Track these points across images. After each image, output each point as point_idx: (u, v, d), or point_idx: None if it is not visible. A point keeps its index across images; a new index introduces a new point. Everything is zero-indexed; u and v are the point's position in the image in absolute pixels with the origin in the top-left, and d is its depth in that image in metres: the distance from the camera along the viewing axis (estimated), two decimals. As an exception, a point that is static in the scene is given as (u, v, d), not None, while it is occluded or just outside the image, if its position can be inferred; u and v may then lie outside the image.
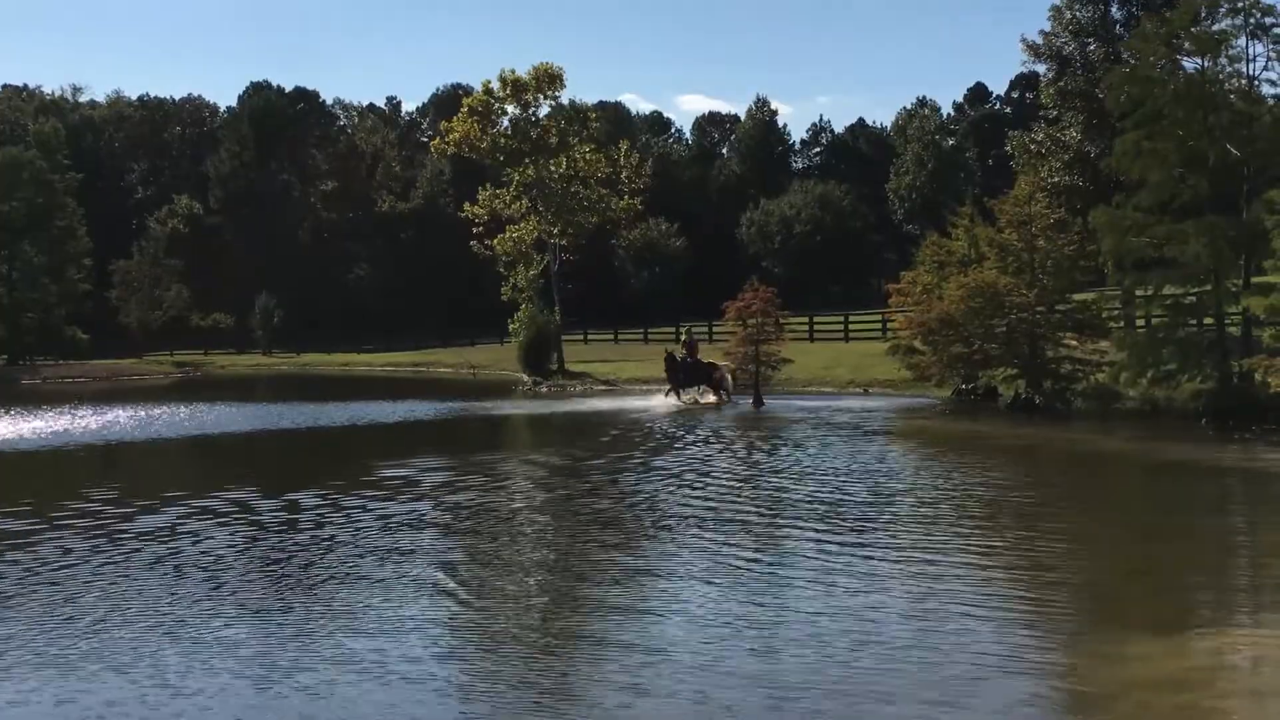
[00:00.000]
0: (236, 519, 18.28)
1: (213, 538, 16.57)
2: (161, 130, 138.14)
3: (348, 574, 14.10)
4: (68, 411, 43.91)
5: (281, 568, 14.57)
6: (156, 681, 10.23)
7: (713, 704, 9.20)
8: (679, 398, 39.88)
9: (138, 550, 15.79)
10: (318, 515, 18.36)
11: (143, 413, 42.88)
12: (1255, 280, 28.91)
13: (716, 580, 13.33)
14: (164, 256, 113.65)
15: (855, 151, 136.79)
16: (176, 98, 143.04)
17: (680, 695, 9.44)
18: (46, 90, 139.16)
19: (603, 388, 50.28)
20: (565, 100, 62.82)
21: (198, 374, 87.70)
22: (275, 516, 18.59)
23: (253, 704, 9.64)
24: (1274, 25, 29.61)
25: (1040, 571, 13.22)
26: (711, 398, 39.23)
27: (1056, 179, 47.53)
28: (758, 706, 9.14)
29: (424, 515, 18.37)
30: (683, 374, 40.26)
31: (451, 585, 13.55)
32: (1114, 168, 31.66)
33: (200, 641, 11.32)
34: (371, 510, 18.72)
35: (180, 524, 17.76)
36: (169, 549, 15.79)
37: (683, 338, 43.58)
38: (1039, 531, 15.66)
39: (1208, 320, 29.91)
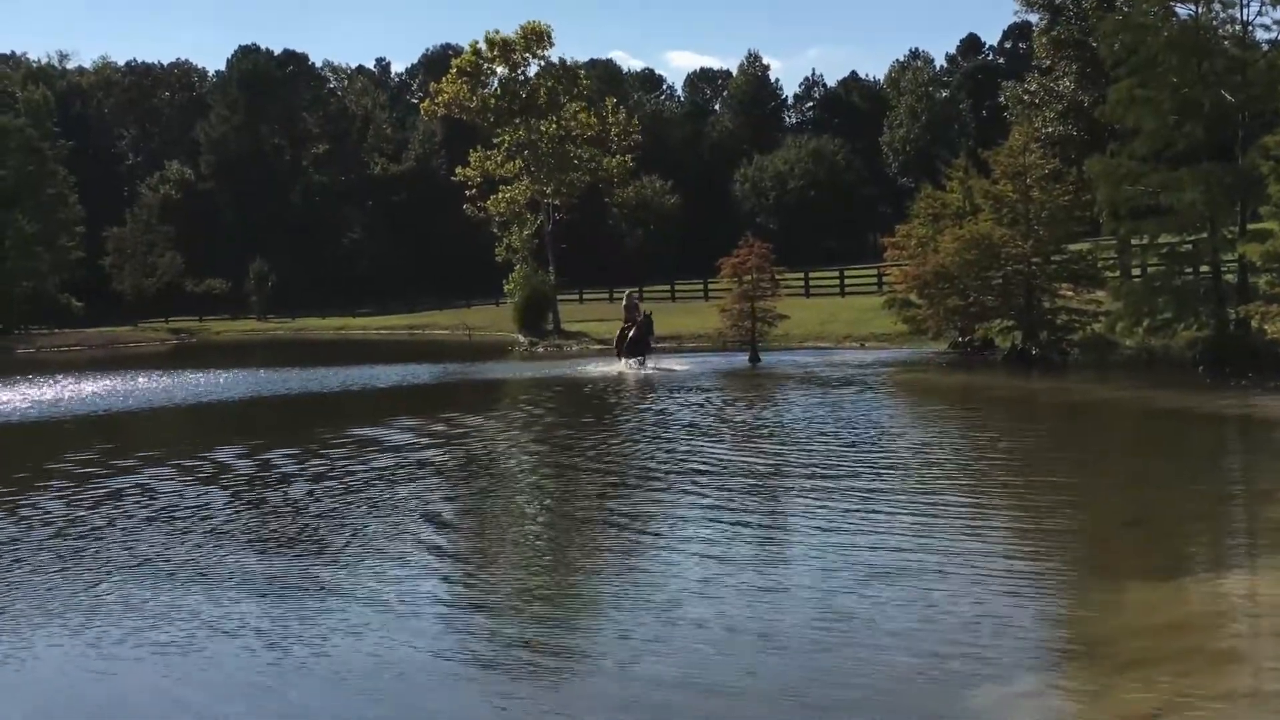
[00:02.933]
0: (232, 476, 18.31)
1: (211, 494, 16.64)
2: (150, 96, 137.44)
3: (348, 528, 14.11)
4: (68, 380, 43.91)
5: (281, 521, 14.57)
6: (158, 632, 10.29)
7: (709, 653, 9.20)
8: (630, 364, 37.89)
9: (141, 508, 15.82)
10: (312, 472, 18.37)
11: (143, 380, 42.87)
12: (1251, 227, 28.82)
13: (714, 531, 13.31)
14: (157, 223, 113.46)
15: (848, 105, 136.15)
16: (165, 63, 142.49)
17: (676, 639, 9.46)
18: (33, 57, 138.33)
19: (599, 347, 50.24)
20: (554, 59, 62.57)
21: (193, 340, 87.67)
22: (269, 474, 18.58)
23: (257, 654, 9.66)
24: (1267, -30, 29.39)
25: (1038, 520, 13.22)
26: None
27: (1051, 129, 47.27)
28: (754, 658, 9.14)
29: (424, 479, 18.36)
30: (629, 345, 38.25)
31: (448, 533, 13.61)
32: (1108, 116, 31.48)
33: (205, 588, 11.34)
34: (366, 469, 18.72)
35: (180, 483, 17.79)
36: (169, 505, 15.82)
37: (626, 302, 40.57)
38: (1036, 481, 15.69)
39: (1204, 268, 29.85)
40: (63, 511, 16.33)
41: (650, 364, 37.57)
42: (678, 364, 38.57)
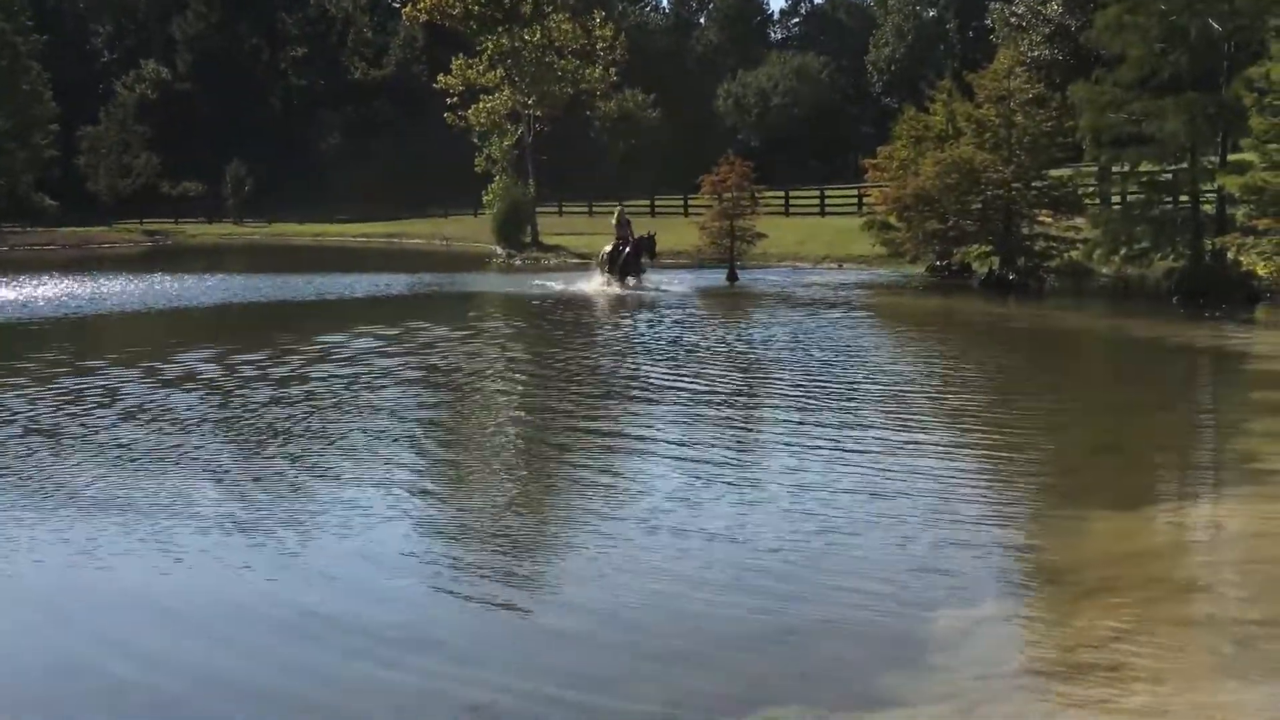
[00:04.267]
0: (200, 382, 18.28)
1: (180, 398, 16.63)
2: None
3: (315, 432, 14.15)
4: (39, 280, 43.63)
5: (251, 425, 14.58)
6: (134, 532, 10.33)
7: (680, 580, 9.29)
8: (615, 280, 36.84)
9: (112, 408, 15.82)
10: (279, 379, 18.38)
11: (116, 284, 42.61)
12: (1231, 158, 28.81)
13: (685, 453, 13.38)
14: (133, 123, 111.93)
15: (835, 22, 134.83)
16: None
17: (650, 556, 9.56)
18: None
19: (577, 260, 50.09)
20: (540, -36, 61.61)
21: (168, 242, 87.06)
22: (241, 380, 18.56)
23: (232, 552, 9.72)
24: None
25: (1007, 446, 13.33)
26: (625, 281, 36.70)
27: (1036, 53, 47.00)
28: (724, 582, 9.23)
29: (394, 389, 18.38)
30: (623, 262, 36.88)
31: (422, 445, 13.66)
32: (1095, 42, 31.30)
33: (174, 492, 11.38)
34: (331, 379, 18.73)
35: (150, 388, 17.77)
36: (139, 407, 15.81)
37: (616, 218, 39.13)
38: (1006, 408, 15.79)
39: (1183, 198, 29.88)
40: (29, 410, 16.31)
41: (634, 282, 36.24)
42: (655, 280, 38.48)
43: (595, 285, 36.65)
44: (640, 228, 38.92)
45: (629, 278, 36.44)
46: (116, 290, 39.75)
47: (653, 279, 36.95)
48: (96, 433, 14.96)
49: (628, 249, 36.89)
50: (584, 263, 47.61)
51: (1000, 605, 8.70)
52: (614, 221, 39.16)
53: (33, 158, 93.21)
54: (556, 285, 37.91)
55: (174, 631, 8.54)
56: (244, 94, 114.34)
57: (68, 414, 16.26)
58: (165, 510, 11.32)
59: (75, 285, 41.51)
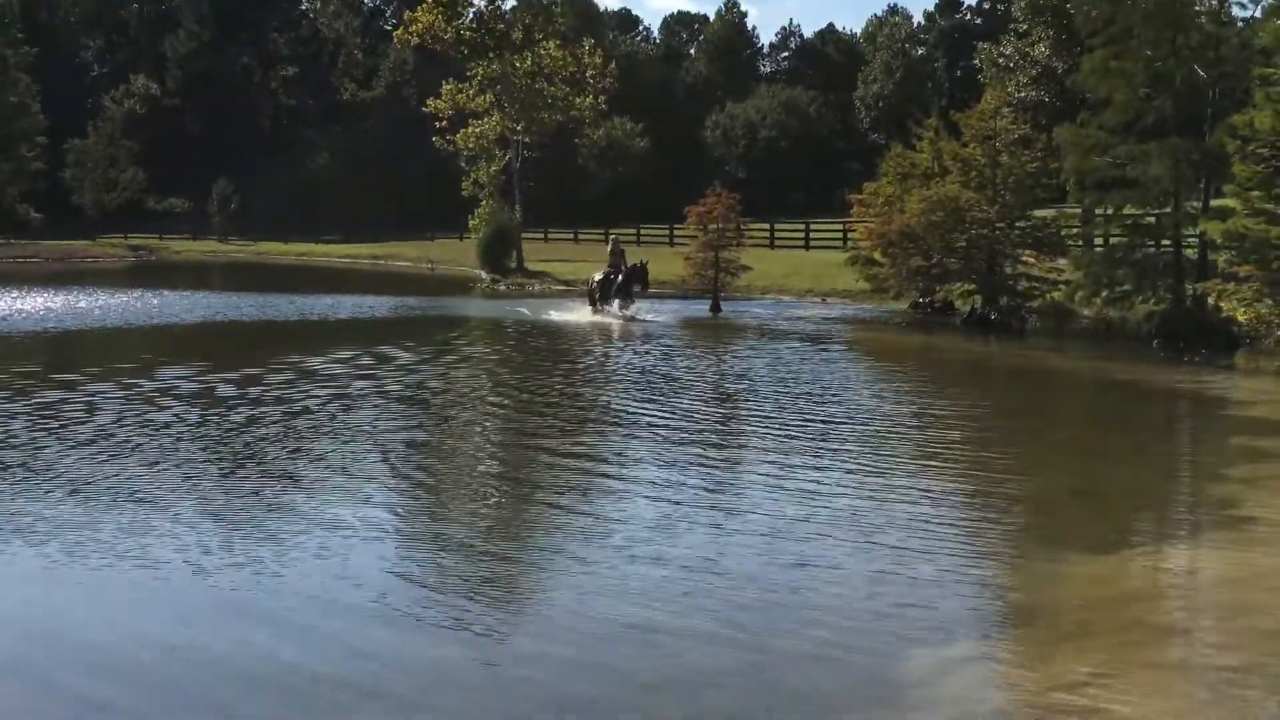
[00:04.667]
0: (177, 399, 18.23)
1: (158, 416, 16.57)
2: (119, 7, 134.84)
3: (294, 451, 14.11)
4: (18, 293, 43.45)
5: (231, 444, 14.54)
6: (116, 550, 10.28)
7: (656, 609, 9.28)
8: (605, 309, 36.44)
9: (87, 425, 15.75)
10: (257, 399, 18.34)
11: (97, 299, 42.46)
12: (1214, 204, 29.01)
13: (663, 485, 13.37)
14: (120, 137, 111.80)
15: (824, 57, 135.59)
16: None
17: (629, 582, 9.55)
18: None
19: (561, 287, 50.12)
20: (533, -8, 61.91)
21: (152, 258, 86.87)
22: (218, 398, 18.52)
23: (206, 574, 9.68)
24: (1247, -54, 29.43)
25: (984, 488, 13.35)
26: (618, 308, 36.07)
27: (1024, 94, 47.47)
28: (699, 613, 9.22)
29: (376, 413, 18.35)
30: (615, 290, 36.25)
31: (396, 465, 13.64)
32: (1081, 85, 31.52)
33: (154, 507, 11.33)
34: (308, 401, 18.69)
35: (127, 403, 17.71)
36: (116, 425, 15.75)
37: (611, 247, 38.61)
38: (985, 448, 15.80)
39: (1165, 242, 30.04)
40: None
41: (629, 311, 35.62)
42: (637, 309, 38.45)
43: (584, 313, 36.37)
44: (629, 257, 38.87)
45: (618, 306, 35.95)
46: (98, 305, 39.62)
47: (635, 308, 36.88)
48: (66, 454, 14.89)
49: (619, 277, 36.42)
50: (569, 289, 47.70)
51: (976, 645, 8.70)
52: (608, 250, 38.77)
53: (18, 170, 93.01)
54: (547, 314, 37.36)
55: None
56: (233, 112, 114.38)
57: (41, 430, 16.18)
58: (130, 532, 11.28)
59: (55, 299, 41.35)
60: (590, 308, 36.79)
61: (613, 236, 42.78)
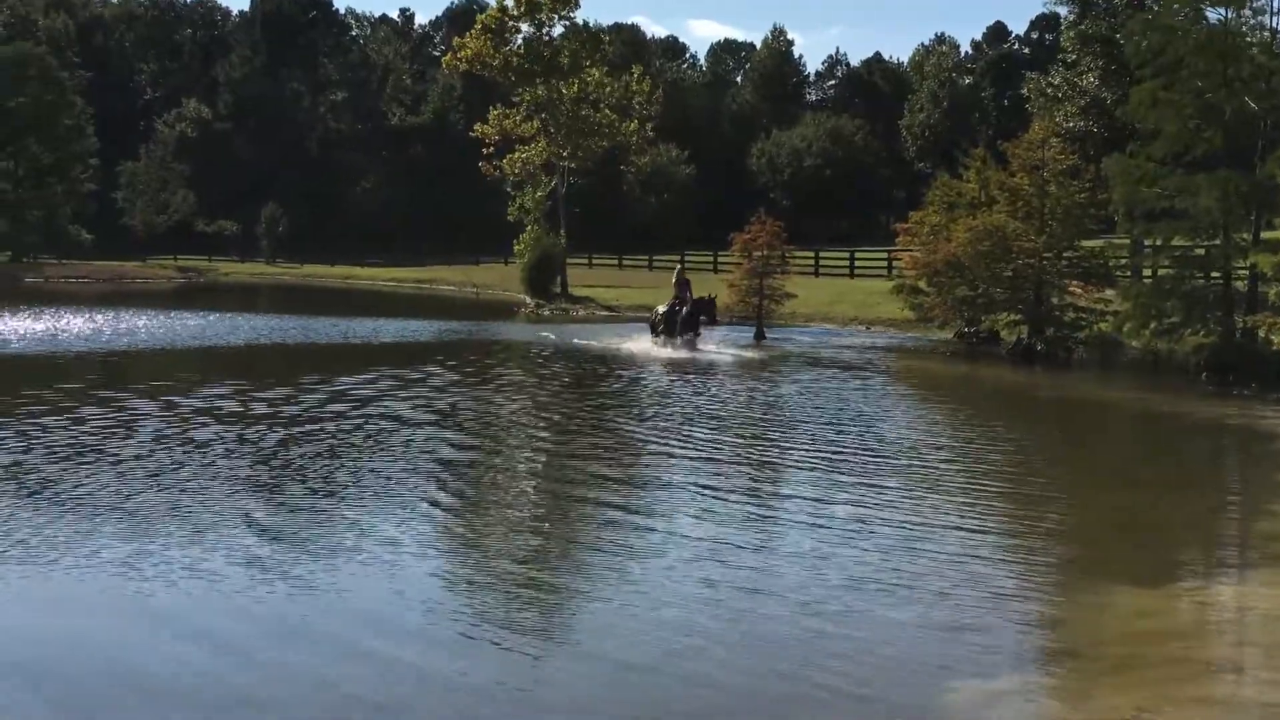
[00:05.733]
0: (219, 419, 18.42)
1: (201, 436, 16.75)
2: (172, 32, 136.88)
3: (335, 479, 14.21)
4: (68, 314, 43.99)
5: (275, 471, 14.66)
6: (147, 572, 10.39)
7: (698, 636, 9.27)
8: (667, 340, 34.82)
9: (135, 444, 15.93)
10: (297, 420, 18.48)
11: (142, 320, 42.94)
12: (1265, 235, 28.74)
13: (705, 515, 13.36)
14: (171, 160, 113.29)
15: (870, 86, 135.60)
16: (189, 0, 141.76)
17: (662, 621, 9.53)
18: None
19: (605, 313, 50.22)
20: (580, 20, 62.32)
21: (201, 280, 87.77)
22: (262, 420, 18.68)
23: (246, 593, 9.76)
24: (1300, -22, 29.18)
25: (1030, 520, 13.26)
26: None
27: (1072, 124, 47.09)
28: (741, 641, 9.21)
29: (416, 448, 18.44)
30: (680, 322, 34.76)
31: (441, 499, 13.71)
32: (1130, 116, 31.34)
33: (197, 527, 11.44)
34: (348, 428, 18.81)
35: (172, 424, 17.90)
36: (162, 446, 15.93)
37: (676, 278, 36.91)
38: (1030, 481, 15.68)
39: (1215, 274, 29.76)
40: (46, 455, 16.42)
41: (695, 344, 33.96)
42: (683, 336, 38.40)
43: (646, 344, 34.70)
44: (671, 284, 38.60)
45: (685, 339, 34.11)
46: (144, 325, 40.07)
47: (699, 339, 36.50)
48: (113, 467, 15.05)
49: (686, 309, 34.73)
50: (613, 315, 47.80)
51: (1021, 679, 8.63)
52: (673, 280, 36.95)
53: (72, 191, 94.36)
54: (599, 342, 36.39)
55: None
56: (282, 136, 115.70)
57: (93, 448, 16.37)
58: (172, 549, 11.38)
59: (104, 320, 41.84)
60: (652, 337, 35.25)
61: (678, 267, 41.30)
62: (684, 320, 34.65)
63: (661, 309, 35.95)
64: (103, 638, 9.35)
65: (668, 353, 33.17)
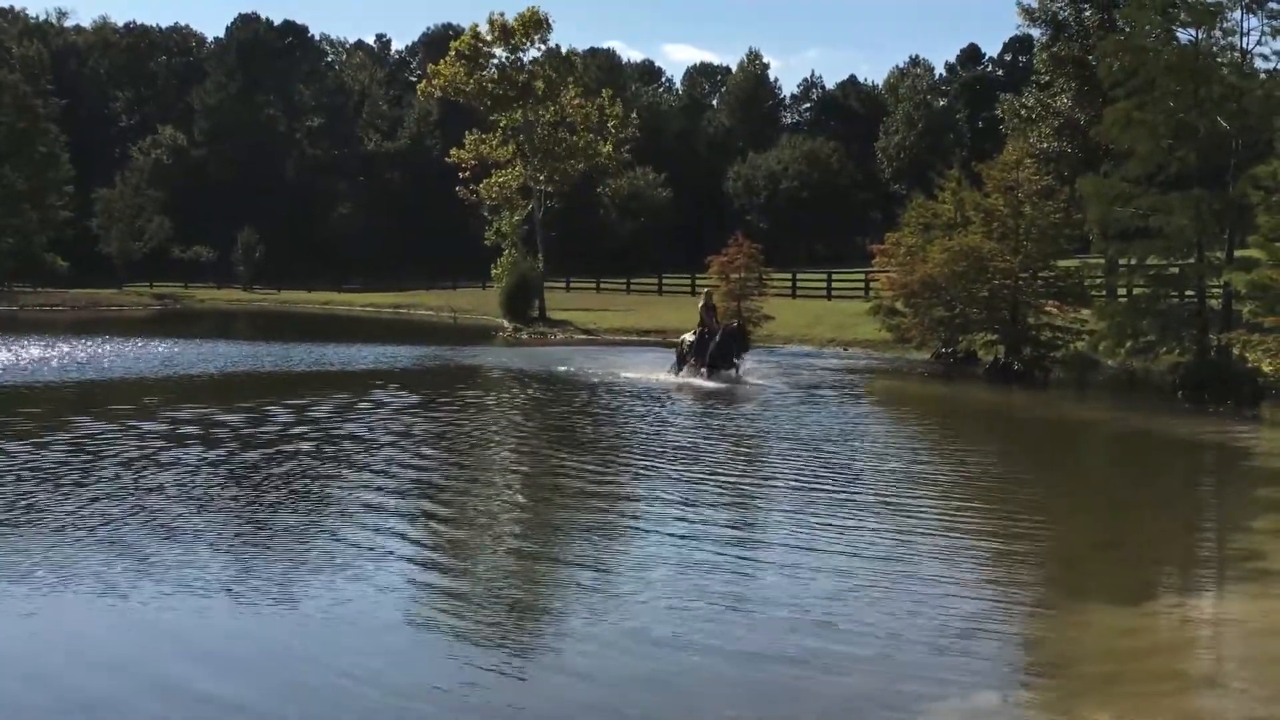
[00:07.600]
0: (194, 443, 18.31)
1: (179, 460, 16.64)
2: (147, 59, 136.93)
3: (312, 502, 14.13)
4: (44, 342, 43.71)
5: (253, 495, 14.57)
6: (130, 598, 10.31)
7: (672, 660, 9.23)
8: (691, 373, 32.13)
9: (113, 470, 15.81)
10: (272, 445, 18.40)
11: (122, 347, 42.69)
12: (1238, 254, 28.92)
13: (684, 537, 13.30)
14: (146, 187, 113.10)
15: (845, 108, 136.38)
16: (163, 26, 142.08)
17: (639, 646, 9.49)
18: (31, 13, 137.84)
19: (583, 336, 50.22)
20: (554, 45, 62.57)
21: (177, 306, 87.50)
22: (238, 444, 18.58)
23: (232, 617, 9.67)
24: (1269, -1, 29.47)
25: (1008, 540, 13.25)
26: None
27: (1046, 145, 47.46)
28: (723, 662, 9.17)
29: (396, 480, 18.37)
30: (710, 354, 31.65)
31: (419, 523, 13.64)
32: (1103, 136, 31.56)
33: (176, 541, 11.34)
34: (326, 461, 18.73)
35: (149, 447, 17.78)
36: (141, 471, 15.81)
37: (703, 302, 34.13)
38: (1008, 500, 15.68)
39: (1189, 293, 29.94)
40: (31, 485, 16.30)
41: (731, 376, 31.29)
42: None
43: (672, 376, 32.27)
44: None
45: (718, 371, 31.32)
46: (117, 353, 39.81)
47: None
48: (75, 496, 14.94)
49: (715, 339, 31.74)
50: (590, 339, 47.79)
51: (1001, 696, 8.61)
52: (700, 305, 34.05)
53: (47, 218, 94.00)
54: (624, 375, 33.40)
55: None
56: (258, 162, 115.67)
57: (62, 473, 16.24)
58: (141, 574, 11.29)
59: (79, 348, 41.58)
60: (683, 370, 32.28)
61: (706, 291, 38.20)
62: (714, 353, 31.60)
63: (689, 338, 33.07)
64: (79, 662, 9.24)
65: (699, 383, 30.94)
